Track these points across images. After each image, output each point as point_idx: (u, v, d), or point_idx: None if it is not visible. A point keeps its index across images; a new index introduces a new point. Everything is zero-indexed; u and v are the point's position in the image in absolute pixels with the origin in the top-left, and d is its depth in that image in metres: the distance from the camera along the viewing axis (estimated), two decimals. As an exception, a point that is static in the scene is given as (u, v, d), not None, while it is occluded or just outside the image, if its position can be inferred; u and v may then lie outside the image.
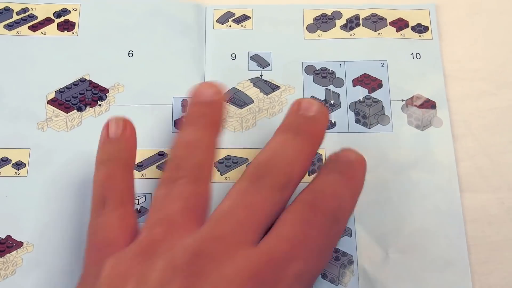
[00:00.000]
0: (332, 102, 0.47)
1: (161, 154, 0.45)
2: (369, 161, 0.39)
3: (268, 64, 0.48)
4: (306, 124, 0.39)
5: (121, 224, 0.37)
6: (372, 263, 0.42)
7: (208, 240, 0.32)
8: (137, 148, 0.43)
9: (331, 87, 0.48)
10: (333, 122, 0.46)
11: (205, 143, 0.39)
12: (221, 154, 0.45)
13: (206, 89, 0.41)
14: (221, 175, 0.45)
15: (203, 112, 0.40)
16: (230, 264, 0.31)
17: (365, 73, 0.48)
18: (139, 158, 0.45)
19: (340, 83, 0.48)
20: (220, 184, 0.44)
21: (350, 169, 0.38)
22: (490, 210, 0.44)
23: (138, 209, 0.44)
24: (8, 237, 0.43)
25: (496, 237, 0.43)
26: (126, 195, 0.39)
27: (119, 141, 0.41)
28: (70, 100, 0.47)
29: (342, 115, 0.47)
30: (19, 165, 0.45)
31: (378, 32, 0.49)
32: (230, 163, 0.45)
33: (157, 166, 0.45)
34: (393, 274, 0.42)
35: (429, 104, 0.47)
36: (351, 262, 0.42)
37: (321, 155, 0.45)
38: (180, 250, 0.32)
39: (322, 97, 0.47)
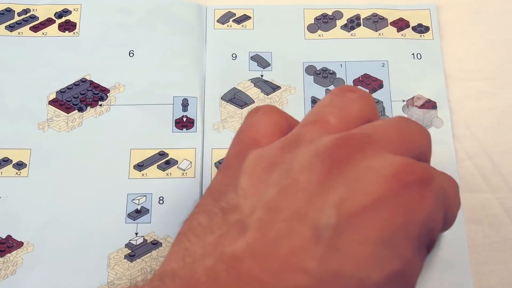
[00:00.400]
0: (332, 102, 0.47)
1: (162, 154, 0.45)
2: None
3: (269, 64, 0.48)
4: None
5: (273, 128, 0.35)
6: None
7: (356, 134, 0.31)
8: (138, 147, 0.44)
9: (331, 87, 0.48)
10: (333, 122, 0.46)
11: None
12: (222, 154, 0.45)
13: None
14: (221, 175, 0.45)
15: None
16: (376, 159, 0.30)
17: (365, 74, 0.48)
18: (139, 158, 0.45)
19: (340, 83, 0.48)
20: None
21: None
22: (490, 210, 0.44)
23: (139, 209, 0.44)
24: (9, 237, 0.43)
25: (496, 237, 0.43)
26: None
27: None
28: (71, 100, 0.47)
29: (342, 115, 0.47)
30: (20, 165, 0.45)
31: (379, 32, 0.49)
32: (230, 163, 0.45)
33: (157, 165, 0.45)
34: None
35: (430, 105, 0.47)
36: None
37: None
38: (326, 140, 0.31)
39: (322, 97, 0.47)
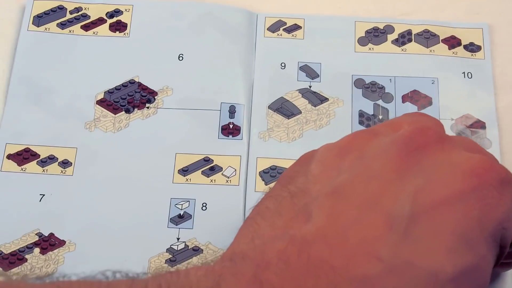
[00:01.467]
0: (380, 117, 0.47)
1: (207, 160, 0.45)
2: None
3: (318, 75, 0.48)
4: None
5: None
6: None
7: (434, 127, 0.33)
8: (183, 152, 0.43)
9: (380, 102, 0.47)
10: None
11: None
12: (267, 163, 0.45)
13: None
14: (266, 184, 0.45)
15: None
16: (455, 154, 0.31)
17: (415, 90, 0.48)
18: (184, 163, 0.45)
19: (389, 98, 0.47)
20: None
21: None
22: None
23: (181, 214, 0.44)
24: (51, 235, 0.43)
25: None
26: None
27: None
28: (119, 101, 0.47)
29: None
30: (65, 163, 0.45)
31: (430, 48, 0.49)
32: (275, 173, 0.45)
33: (202, 171, 0.45)
34: None
35: (479, 125, 0.46)
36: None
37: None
38: (403, 131, 0.32)
39: (370, 111, 0.47)
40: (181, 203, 0.44)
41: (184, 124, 0.46)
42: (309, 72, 0.48)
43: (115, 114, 0.47)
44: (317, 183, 0.30)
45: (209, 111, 0.47)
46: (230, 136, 0.46)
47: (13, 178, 0.45)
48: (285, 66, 0.49)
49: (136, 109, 0.47)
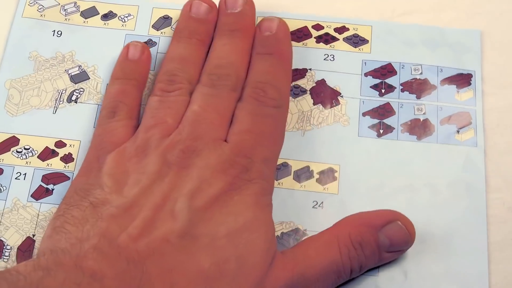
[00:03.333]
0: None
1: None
2: None
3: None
4: (237, 22, 0.46)
5: (126, 131, 0.43)
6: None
7: (191, 139, 0.40)
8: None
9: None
10: None
11: (197, 58, 0.45)
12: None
13: (200, 5, 0.47)
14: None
15: (197, 28, 0.46)
16: (211, 156, 0.40)
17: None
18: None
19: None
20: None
21: (278, 44, 0.46)
22: (490, 210, 0.44)
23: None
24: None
25: (496, 237, 0.44)
26: (135, 111, 0.45)
27: (136, 62, 0.46)
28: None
29: None
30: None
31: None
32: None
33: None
34: None
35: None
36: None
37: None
38: (170, 148, 0.40)
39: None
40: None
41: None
42: (299, 69, 0.49)
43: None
44: (113, 194, 0.38)
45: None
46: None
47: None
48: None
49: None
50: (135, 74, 0.46)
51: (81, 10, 0.50)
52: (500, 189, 0.45)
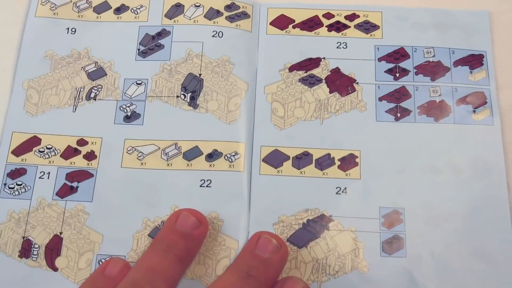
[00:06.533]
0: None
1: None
2: None
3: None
4: (259, 267, 0.40)
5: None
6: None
7: None
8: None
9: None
10: None
11: (169, 274, 0.40)
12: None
13: (188, 219, 0.42)
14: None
15: (177, 243, 0.41)
16: None
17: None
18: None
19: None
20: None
21: None
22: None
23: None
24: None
25: None
26: None
27: (109, 279, 0.41)
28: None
29: None
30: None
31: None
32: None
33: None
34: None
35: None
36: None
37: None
38: None
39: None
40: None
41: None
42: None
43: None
44: None
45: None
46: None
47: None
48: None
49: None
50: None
51: (93, 5, 0.50)
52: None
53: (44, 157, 0.45)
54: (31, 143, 0.46)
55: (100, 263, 0.43)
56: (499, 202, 0.44)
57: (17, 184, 0.45)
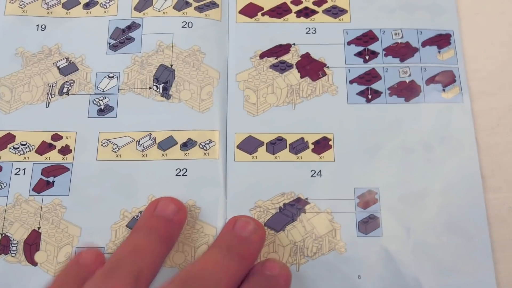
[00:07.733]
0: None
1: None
2: None
3: (292, 47, 0.49)
4: (239, 245, 0.41)
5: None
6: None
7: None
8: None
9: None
10: None
11: (151, 253, 0.40)
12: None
13: (167, 206, 0.42)
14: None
15: (158, 226, 0.41)
16: None
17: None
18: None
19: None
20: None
21: (274, 285, 0.40)
22: (490, 210, 0.45)
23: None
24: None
25: (497, 237, 0.45)
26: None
27: (82, 267, 0.41)
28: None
29: None
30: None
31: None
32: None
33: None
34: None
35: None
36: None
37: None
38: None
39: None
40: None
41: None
42: (283, 43, 0.49)
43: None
44: None
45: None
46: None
47: None
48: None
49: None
50: (77, 278, 0.40)
51: (62, 2, 0.51)
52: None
53: (19, 153, 0.45)
54: (6, 140, 0.46)
55: (79, 255, 0.43)
56: (471, 177, 0.45)
57: (-7, 182, 0.45)
